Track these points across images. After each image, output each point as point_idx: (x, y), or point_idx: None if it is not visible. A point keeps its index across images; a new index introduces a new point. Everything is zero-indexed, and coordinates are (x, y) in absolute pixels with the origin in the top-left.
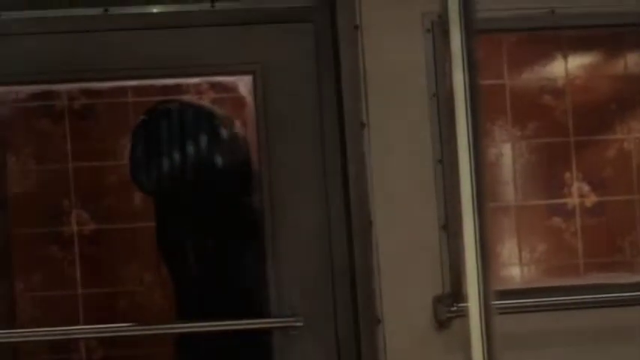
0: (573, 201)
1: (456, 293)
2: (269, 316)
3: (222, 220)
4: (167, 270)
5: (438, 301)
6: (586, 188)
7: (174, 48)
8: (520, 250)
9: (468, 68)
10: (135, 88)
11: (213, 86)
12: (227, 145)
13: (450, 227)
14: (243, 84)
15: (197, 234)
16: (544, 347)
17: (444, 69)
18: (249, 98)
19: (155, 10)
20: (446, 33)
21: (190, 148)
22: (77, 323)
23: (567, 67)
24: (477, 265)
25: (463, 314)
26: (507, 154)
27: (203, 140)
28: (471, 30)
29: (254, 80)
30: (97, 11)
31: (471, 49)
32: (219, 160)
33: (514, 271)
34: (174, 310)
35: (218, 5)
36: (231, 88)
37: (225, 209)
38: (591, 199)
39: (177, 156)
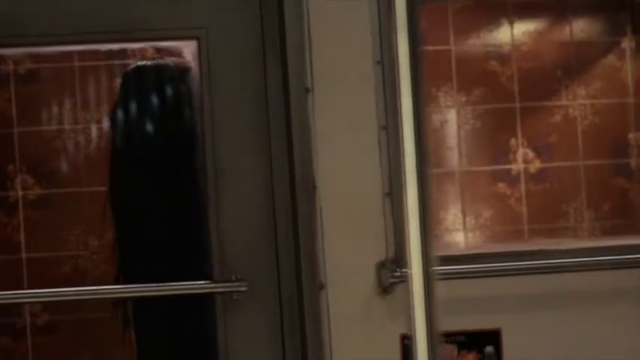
0: (518, 167)
1: (399, 259)
2: (213, 281)
3: (169, 182)
4: (114, 232)
5: (381, 266)
6: (531, 154)
7: (120, 13)
8: (465, 216)
9: (411, 35)
10: (80, 53)
11: (159, 51)
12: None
13: (394, 193)
14: (188, 49)
15: (148, 193)
16: (488, 312)
17: (388, 35)
18: (193, 63)
19: None
20: None
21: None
22: (21, 288)
23: (513, 33)
24: (419, 230)
25: (406, 280)
26: (452, 120)
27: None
28: None
29: (198, 45)
30: None
31: (415, 16)
32: (175, 117)
33: (458, 237)
34: (119, 272)
35: None
36: (176, 53)
37: (172, 172)
38: (536, 165)
39: (142, 109)
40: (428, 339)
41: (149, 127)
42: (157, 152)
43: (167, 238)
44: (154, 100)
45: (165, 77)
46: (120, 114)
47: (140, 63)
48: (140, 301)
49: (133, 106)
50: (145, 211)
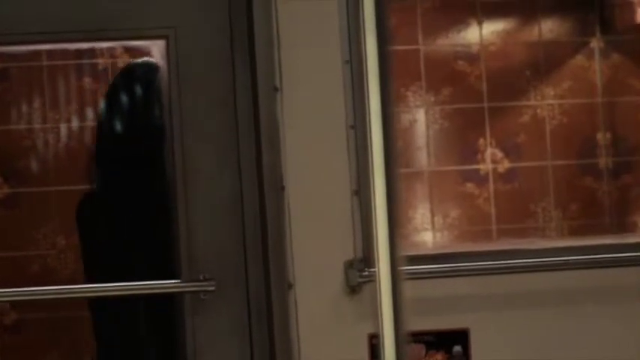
0: (486, 167)
1: (367, 258)
2: (180, 280)
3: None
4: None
5: (349, 266)
6: (499, 154)
7: (89, 12)
8: (433, 216)
9: (379, 35)
10: (49, 52)
11: (128, 50)
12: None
13: (362, 192)
14: (157, 48)
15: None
16: (456, 312)
17: (357, 35)
18: (162, 62)
19: None
20: None
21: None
22: None
23: (482, 33)
24: (387, 230)
25: (374, 279)
26: (421, 119)
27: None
28: None
29: (167, 45)
30: None
31: (383, 16)
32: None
33: (427, 237)
34: (87, 272)
35: None
36: (145, 52)
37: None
38: (504, 165)
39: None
40: (395, 338)
41: (119, 126)
42: (127, 151)
43: (135, 237)
44: (129, 98)
45: (141, 76)
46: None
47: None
48: (107, 300)
49: (116, 104)
50: (114, 209)
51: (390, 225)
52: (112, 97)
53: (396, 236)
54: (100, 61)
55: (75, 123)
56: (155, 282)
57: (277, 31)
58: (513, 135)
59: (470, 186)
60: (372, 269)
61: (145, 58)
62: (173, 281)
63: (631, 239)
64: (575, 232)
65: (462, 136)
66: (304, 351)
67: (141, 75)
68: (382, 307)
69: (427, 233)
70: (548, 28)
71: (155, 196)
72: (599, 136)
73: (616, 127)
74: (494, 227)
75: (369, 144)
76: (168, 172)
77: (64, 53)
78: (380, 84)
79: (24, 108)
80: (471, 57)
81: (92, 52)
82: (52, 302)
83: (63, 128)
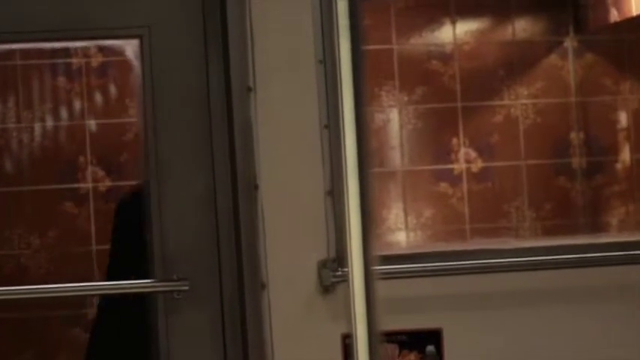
0: (460, 166)
1: (340, 258)
2: (154, 280)
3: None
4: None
5: (322, 265)
6: (473, 154)
7: (63, 11)
8: (407, 215)
9: (352, 34)
10: (23, 51)
11: (102, 49)
12: None
13: (336, 192)
14: (131, 48)
15: None
16: (430, 312)
17: (331, 34)
18: (136, 62)
19: None
20: None
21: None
22: None
23: (455, 32)
24: (360, 229)
25: (347, 279)
26: (395, 119)
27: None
28: None
29: (141, 44)
30: None
31: (357, 16)
32: None
33: (400, 236)
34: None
35: None
36: (118, 52)
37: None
38: (478, 165)
39: None
40: (368, 338)
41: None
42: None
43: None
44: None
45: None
46: None
47: None
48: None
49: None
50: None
51: (364, 225)
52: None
53: (369, 236)
54: (74, 60)
55: (49, 122)
56: (128, 282)
57: (251, 31)
58: (487, 135)
59: (443, 186)
60: (346, 269)
61: None
62: (146, 281)
63: (603, 239)
64: (548, 232)
65: (435, 135)
66: (277, 351)
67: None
68: (355, 307)
69: (401, 233)
70: (522, 27)
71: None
72: (573, 135)
73: (589, 127)
74: (467, 227)
75: (342, 144)
76: (142, 171)
77: (38, 52)
78: (353, 84)
79: None
80: (444, 56)
81: (66, 52)
82: (25, 302)
83: (37, 127)
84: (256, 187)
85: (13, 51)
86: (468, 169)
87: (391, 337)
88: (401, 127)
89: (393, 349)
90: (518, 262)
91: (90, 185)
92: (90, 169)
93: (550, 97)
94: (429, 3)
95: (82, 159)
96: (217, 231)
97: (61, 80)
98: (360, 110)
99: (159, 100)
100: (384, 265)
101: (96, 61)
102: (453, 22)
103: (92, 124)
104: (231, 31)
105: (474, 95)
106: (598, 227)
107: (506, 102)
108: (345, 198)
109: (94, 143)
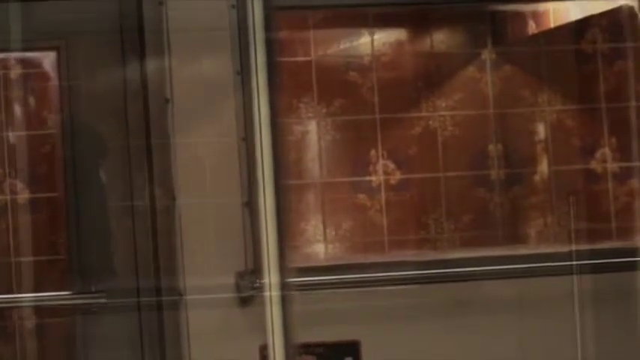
0: (378, 178)
1: (258, 269)
2: (72, 292)
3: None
4: None
5: (240, 277)
6: (391, 166)
7: None
8: (325, 227)
9: (269, 46)
10: None
11: (21, 61)
12: None
13: (253, 204)
14: (48, 60)
15: None
16: (347, 324)
17: (247, 46)
18: (53, 74)
19: None
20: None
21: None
22: None
23: (373, 44)
24: (276, 241)
25: (265, 291)
26: (313, 131)
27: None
28: (270, 7)
29: (58, 56)
30: None
31: (273, 27)
32: None
33: (319, 248)
34: None
35: None
36: (36, 64)
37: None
38: (396, 177)
39: None
40: (285, 350)
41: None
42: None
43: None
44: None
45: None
46: None
47: None
48: None
49: None
50: None
51: (280, 236)
52: None
53: (286, 247)
54: None
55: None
56: (46, 294)
57: (168, 43)
58: (405, 146)
59: (362, 197)
60: (263, 280)
61: None
62: (64, 293)
63: (522, 251)
64: (467, 244)
65: (353, 147)
66: None
67: None
68: (272, 319)
69: (319, 245)
70: (440, 39)
71: None
72: (491, 147)
73: (507, 139)
74: (386, 239)
75: (258, 156)
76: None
77: None
78: (269, 95)
79: None
80: (362, 68)
81: None
82: None
83: None
84: (174, 199)
85: None
86: (387, 181)
87: (309, 349)
88: (319, 138)
89: None
90: (436, 274)
91: (8, 197)
92: (8, 180)
93: (468, 109)
94: (347, 14)
95: (0, 171)
96: (135, 243)
97: None
98: (276, 122)
99: (76, 111)
100: (302, 276)
101: (15, 73)
102: (371, 34)
103: (10, 135)
104: (149, 42)
105: (393, 107)
106: (516, 238)
107: (424, 114)
108: (262, 210)
109: (11, 155)
